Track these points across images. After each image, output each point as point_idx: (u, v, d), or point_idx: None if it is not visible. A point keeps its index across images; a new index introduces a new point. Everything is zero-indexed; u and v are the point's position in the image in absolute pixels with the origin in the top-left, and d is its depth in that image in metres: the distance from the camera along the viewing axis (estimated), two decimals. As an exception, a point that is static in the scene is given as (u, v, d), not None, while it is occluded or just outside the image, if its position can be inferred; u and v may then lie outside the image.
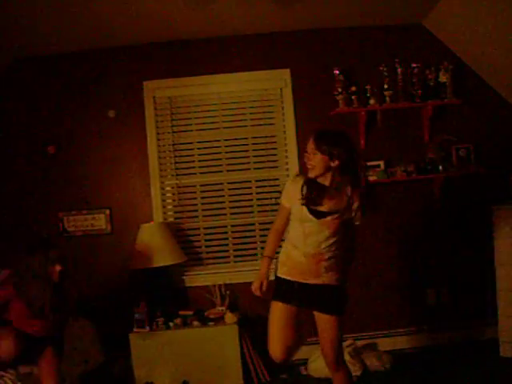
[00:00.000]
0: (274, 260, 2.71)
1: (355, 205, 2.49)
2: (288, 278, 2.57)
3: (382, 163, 4.10)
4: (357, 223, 2.58)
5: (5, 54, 3.98)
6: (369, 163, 4.07)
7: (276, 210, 2.97)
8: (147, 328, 3.67)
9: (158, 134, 4.17)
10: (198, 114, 4.20)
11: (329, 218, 2.47)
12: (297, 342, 2.63)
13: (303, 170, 4.05)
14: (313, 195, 2.48)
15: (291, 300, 2.56)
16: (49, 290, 2.73)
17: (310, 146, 2.48)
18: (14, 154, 4.13)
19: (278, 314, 2.57)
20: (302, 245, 2.53)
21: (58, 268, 2.77)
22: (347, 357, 3.61)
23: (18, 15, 3.31)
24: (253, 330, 3.74)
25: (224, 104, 4.20)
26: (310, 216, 2.49)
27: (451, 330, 4.14)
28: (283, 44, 4.17)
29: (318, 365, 3.59)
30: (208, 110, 4.20)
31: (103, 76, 4.15)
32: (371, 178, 3.99)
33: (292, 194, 2.57)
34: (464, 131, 4.16)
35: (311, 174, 2.50)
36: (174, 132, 4.19)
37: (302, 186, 2.54)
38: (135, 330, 3.68)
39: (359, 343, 3.94)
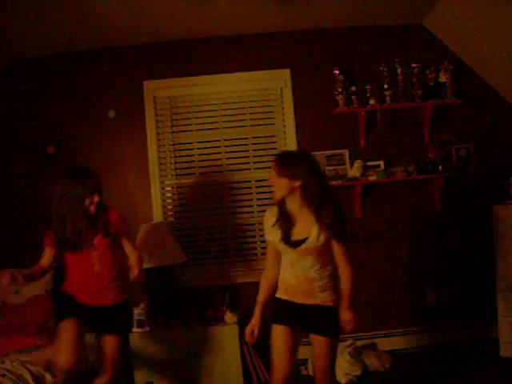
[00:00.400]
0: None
1: (327, 221, 2.36)
2: (285, 298, 2.51)
3: (381, 163, 4.10)
4: (338, 240, 2.43)
5: (5, 54, 3.98)
6: (369, 163, 4.07)
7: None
8: (147, 328, 3.67)
9: (158, 134, 4.17)
10: (197, 114, 4.20)
11: (304, 246, 2.39)
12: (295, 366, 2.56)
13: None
14: (284, 225, 2.42)
15: (290, 322, 2.48)
16: (85, 220, 2.61)
17: (272, 170, 2.46)
18: (14, 154, 4.13)
19: (279, 337, 2.47)
20: (291, 271, 2.48)
21: (96, 198, 2.63)
22: (347, 357, 3.62)
23: (18, 15, 3.31)
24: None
25: (224, 104, 4.20)
26: (285, 247, 2.43)
27: (451, 330, 4.14)
28: (283, 44, 4.17)
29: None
30: (208, 110, 4.20)
31: (103, 76, 4.15)
32: (371, 178, 3.99)
33: (270, 226, 2.51)
34: (464, 131, 4.16)
35: (276, 197, 2.45)
36: (173, 132, 4.19)
37: (276, 218, 2.48)
38: (135, 329, 3.67)
39: (359, 343, 3.94)
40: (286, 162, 2.41)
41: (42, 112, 4.14)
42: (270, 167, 4.13)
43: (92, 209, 2.63)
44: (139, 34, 3.93)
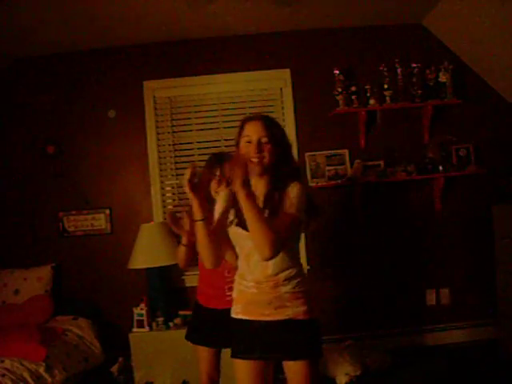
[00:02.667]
0: None
1: (291, 194, 1.89)
2: (245, 317, 1.99)
3: (381, 163, 4.10)
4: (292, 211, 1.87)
5: (5, 54, 3.98)
6: (369, 163, 4.07)
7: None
8: (147, 328, 3.67)
9: (158, 133, 4.17)
10: (197, 114, 4.20)
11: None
12: None
13: (303, 173, 4.08)
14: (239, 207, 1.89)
15: (253, 351, 1.94)
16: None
17: (259, 132, 1.94)
18: (14, 154, 4.13)
19: (242, 375, 1.96)
20: (247, 272, 1.99)
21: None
22: (347, 357, 3.62)
23: (18, 15, 3.31)
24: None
25: (224, 104, 4.20)
26: (241, 232, 1.94)
27: (451, 330, 4.14)
28: (283, 44, 4.17)
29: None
30: (208, 110, 4.19)
31: (103, 76, 4.15)
32: (371, 178, 3.99)
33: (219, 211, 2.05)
34: (464, 131, 4.16)
35: (258, 171, 1.94)
36: (174, 132, 4.19)
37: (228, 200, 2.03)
38: (135, 329, 3.68)
39: (359, 343, 3.94)
40: (276, 125, 2.02)
41: (42, 112, 4.14)
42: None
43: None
44: (139, 33, 3.93)
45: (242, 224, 1.93)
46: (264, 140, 1.94)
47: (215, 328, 2.47)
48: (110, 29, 3.76)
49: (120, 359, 3.72)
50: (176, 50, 4.15)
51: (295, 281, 1.96)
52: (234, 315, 2.05)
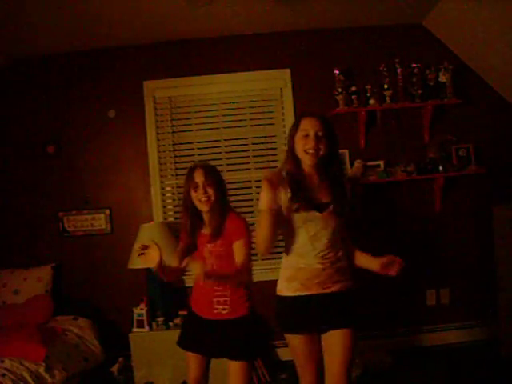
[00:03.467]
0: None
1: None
2: (304, 293, 2.21)
3: (381, 163, 4.10)
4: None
5: (4, 53, 3.98)
6: (369, 163, 4.07)
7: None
8: (147, 328, 3.67)
9: (158, 134, 4.17)
10: (197, 114, 4.20)
11: (330, 209, 2.23)
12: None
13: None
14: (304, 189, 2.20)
15: (310, 324, 2.20)
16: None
17: (316, 126, 2.18)
18: (14, 153, 4.14)
19: (300, 349, 2.23)
20: (311, 250, 2.22)
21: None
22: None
23: (18, 15, 3.31)
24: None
25: (224, 104, 4.20)
26: (308, 214, 2.20)
27: (451, 330, 4.14)
28: (283, 44, 4.17)
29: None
30: (208, 110, 4.19)
31: (103, 76, 4.15)
32: (371, 178, 3.99)
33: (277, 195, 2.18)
34: (464, 131, 4.16)
35: (313, 161, 2.20)
36: (174, 132, 4.19)
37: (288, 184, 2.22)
38: (135, 329, 3.68)
39: (359, 343, 3.93)
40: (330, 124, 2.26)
41: (42, 112, 4.14)
42: (269, 167, 4.17)
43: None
44: (139, 34, 3.93)
45: (308, 207, 2.17)
46: (320, 134, 2.17)
47: (206, 337, 2.47)
48: (109, 29, 3.76)
49: (120, 359, 3.73)
50: (176, 49, 4.15)
51: (344, 260, 2.31)
52: (290, 293, 2.24)
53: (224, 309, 2.41)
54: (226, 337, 2.41)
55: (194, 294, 2.57)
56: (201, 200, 2.38)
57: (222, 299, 2.41)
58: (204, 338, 2.47)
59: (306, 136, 2.18)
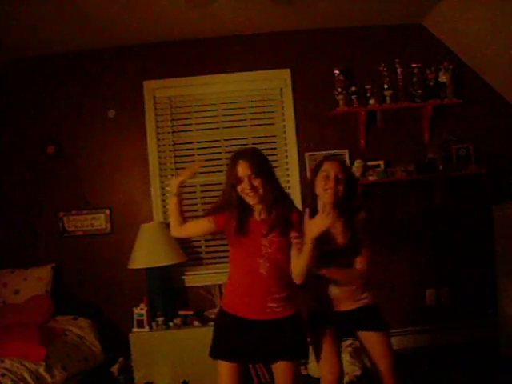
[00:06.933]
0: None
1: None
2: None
3: (381, 163, 4.10)
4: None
5: (4, 53, 3.98)
6: (369, 163, 4.07)
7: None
8: (147, 328, 3.67)
9: (158, 133, 4.17)
10: (197, 114, 4.20)
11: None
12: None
13: (303, 173, 4.09)
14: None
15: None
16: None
17: (336, 169, 2.42)
18: (14, 154, 4.13)
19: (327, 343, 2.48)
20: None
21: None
22: (347, 357, 3.61)
23: (18, 15, 3.31)
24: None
25: (224, 104, 4.20)
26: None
27: (451, 330, 4.14)
28: (283, 44, 4.17)
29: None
30: (208, 110, 4.20)
31: (103, 76, 4.15)
32: (371, 178, 3.99)
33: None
34: (464, 131, 4.16)
35: (332, 201, 2.41)
36: (174, 132, 4.19)
37: None
38: (135, 329, 3.68)
39: (359, 343, 3.93)
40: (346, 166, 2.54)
41: (42, 112, 4.14)
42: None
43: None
44: (139, 34, 3.93)
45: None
46: (341, 176, 2.40)
47: (251, 340, 2.27)
48: (109, 29, 3.76)
49: (120, 359, 3.73)
50: (176, 49, 4.15)
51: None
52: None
53: (278, 306, 2.27)
54: (278, 336, 2.26)
55: (237, 297, 2.33)
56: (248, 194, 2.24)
57: (277, 296, 2.27)
58: (248, 342, 2.27)
59: (327, 177, 2.41)
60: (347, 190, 2.43)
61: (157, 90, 4.16)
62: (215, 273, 4.12)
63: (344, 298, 2.50)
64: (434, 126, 4.14)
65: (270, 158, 4.06)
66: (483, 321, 4.10)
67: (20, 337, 3.18)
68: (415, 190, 4.16)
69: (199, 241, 4.19)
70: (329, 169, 2.43)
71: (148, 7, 3.44)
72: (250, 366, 3.63)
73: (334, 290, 2.49)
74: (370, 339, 2.58)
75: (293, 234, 2.26)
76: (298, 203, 4.13)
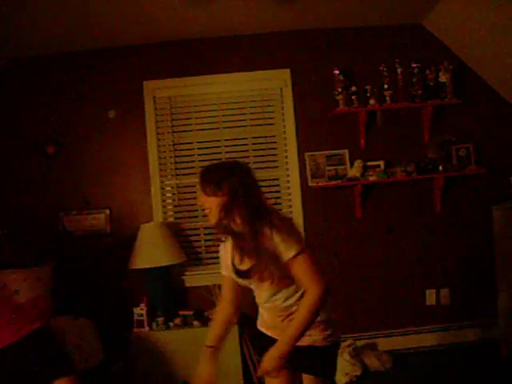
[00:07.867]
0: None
1: (276, 240, 1.88)
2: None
3: (382, 163, 4.10)
4: (288, 257, 1.89)
5: (4, 53, 3.98)
6: (369, 163, 4.07)
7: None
8: (147, 328, 3.67)
9: (158, 133, 4.17)
10: (197, 114, 4.20)
11: (256, 276, 1.97)
12: None
13: (303, 173, 4.09)
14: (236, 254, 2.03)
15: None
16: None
17: (202, 199, 2.01)
18: (14, 153, 4.13)
19: None
20: (261, 303, 2.22)
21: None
22: (347, 357, 3.62)
23: (18, 15, 3.31)
24: (253, 329, 3.73)
25: (224, 104, 4.20)
26: (240, 280, 2.09)
27: (451, 330, 4.15)
28: (283, 44, 4.17)
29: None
30: (208, 110, 4.20)
31: (103, 76, 4.15)
32: (371, 178, 3.99)
33: (224, 260, 2.14)
34: (464, 131, 4.16)
35: (211, 222, 1.99)
36: (174, 132, 4.19)
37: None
38: (135, 329, 3.68)
39: (359, 343, 3.94)
40: (211, 179, 2.04)
41: (42, 112, 4.14)
42: (269, 167, 4.18)
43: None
44: (139, 34, 3.93)
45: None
46: (212, 200, 1.98)
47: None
48: (109, 29, 3.76)
49: (120, 359, 3.73)
50: (176, 50, 4.15)
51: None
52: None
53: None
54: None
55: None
56: None
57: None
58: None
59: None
60: (237, 203, 1.90)
61: (157, 90, 4.16)
62: (215, 273, 4.10)
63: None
64: (434, 126, 4.14)
65: (269, 158, 4.17)
66: (483, 321, 4.10)
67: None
68: (415, 190, 4.16)
69: (199, 241, 4.19)
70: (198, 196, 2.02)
71: (148, 7, 3.44)
72: (251, 365, 3.64)
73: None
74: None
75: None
76: (298, 204, 4.14)
